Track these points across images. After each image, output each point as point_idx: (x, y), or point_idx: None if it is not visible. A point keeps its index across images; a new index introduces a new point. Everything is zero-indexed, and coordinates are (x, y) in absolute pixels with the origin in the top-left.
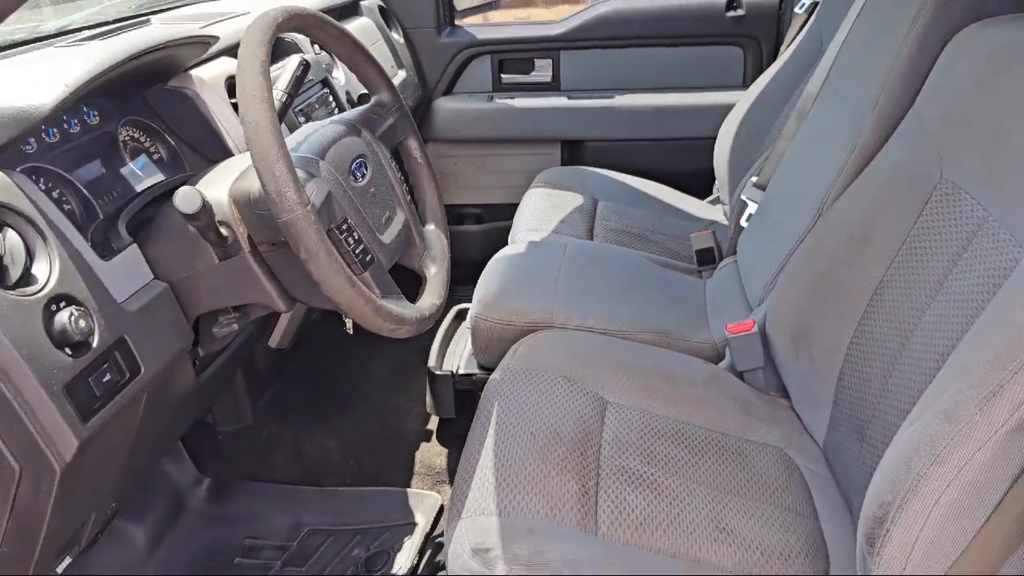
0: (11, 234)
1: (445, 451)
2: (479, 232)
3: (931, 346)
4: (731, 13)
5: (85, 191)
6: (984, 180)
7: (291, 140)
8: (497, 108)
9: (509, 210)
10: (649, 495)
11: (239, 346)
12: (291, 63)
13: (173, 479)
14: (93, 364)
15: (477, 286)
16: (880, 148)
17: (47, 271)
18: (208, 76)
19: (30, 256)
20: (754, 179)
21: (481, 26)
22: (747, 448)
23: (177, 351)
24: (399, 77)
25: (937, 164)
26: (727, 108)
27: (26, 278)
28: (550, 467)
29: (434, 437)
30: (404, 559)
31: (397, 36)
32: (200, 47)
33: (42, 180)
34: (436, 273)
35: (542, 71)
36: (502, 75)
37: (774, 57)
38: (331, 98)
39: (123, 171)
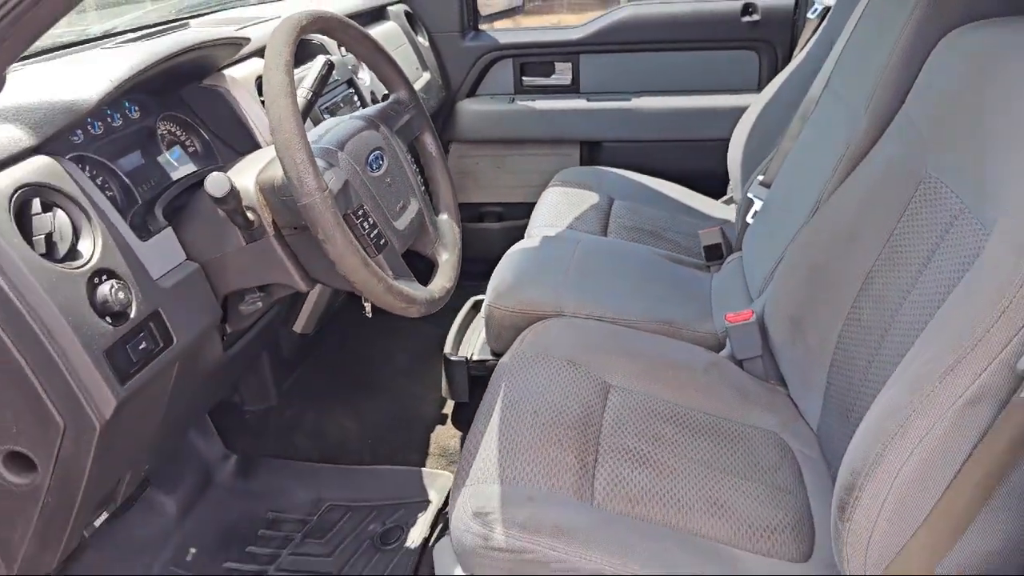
0: (60, 214)
1: (459, 434)
2: (499, 230)
3: (909, 330)
4: (747, 18)
5: (126, 179)
6: (963, 175)
7: (314, 133)
8: (518, 110)
9: (529, 208)
10: (645, 470)
11: (264, 328)
12: (317, 63)
13: (203, 455)
14: (130, 333)
15: (492, 276)
16: (873, 145)
17: (91, 248)
18: (240, 75)
19: (76, 234)
20: (760, 178)
21: (503, 30)
22: (743, 431)
23: (206, 325)
24: (423, 79)
25: (923, 160)
26: (741, 110)
27: (72, 253)
28: (551, 442)
29: (449, 420)
30: (417, 533)
31: (422, 40)
32: (232, 48)
33: (88, 168)
34: (447, 259)
35: (562, 74)
36: (523, 78)
37: (788, 61)
38: (356, 97)
39: (160, 160)
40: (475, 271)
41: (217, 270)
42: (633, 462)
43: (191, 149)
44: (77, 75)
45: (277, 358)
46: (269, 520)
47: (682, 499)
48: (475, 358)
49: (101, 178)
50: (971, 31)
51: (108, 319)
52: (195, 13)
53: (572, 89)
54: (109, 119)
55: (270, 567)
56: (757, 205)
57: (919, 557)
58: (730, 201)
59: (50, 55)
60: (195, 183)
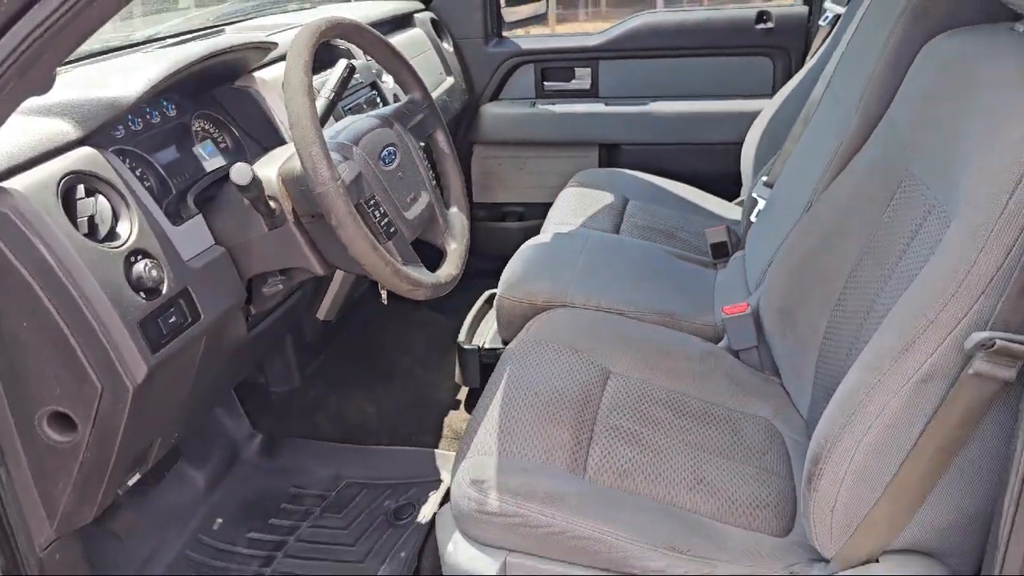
0: (101, 199)
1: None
2: (518, 229)
3: (883, 317)
4: (761, 25)
5: (162, 171)
6: (938, 173)
7: (332, 129)
8: (539, 113)
9: (548, 208)
10: (636, 448)
11: (287, 312)
12: (339, 67)
13: (230, 433)
14: (162, 307)
15: (504, 269)
16: (863, 144)
17: (128, 230)
18: (269, 77)
19: (116, 218)
20: (764, 178)
21: (525, 37)
22: (734, 416)
23: (231, 305)
24: (447, 83)
25: (903, 159)
26: (754, 115)
27: (112, 235)
28: (549, 420)
29: (462, 406)
30: (428, 510)
31: (447, 46)
32: (261, 52)
33: (127, 160)
34: (455, 248)
35: (582, 79)
36: (544, 82)
37: (801, 67)
38: (378, 99)
39: (194, 150)
40: (492, 268)
41: (242, 254)
42: (625, 440)
43: (222, 145)
44: (118, 75)
45: (301, 343)
46: (291, 495)
47: (670, 475)
48: (487, 346)
49: (140, 170)
50: (949, 38)
51: (142, 294)
52: (231, 20)
53: (591, 93)
54: (148, 116)
55: (290, 537)
56: (761, 204)
57: (879, 528)
58: (743, 203)
59: (96, 58)
60: (225, 175)
